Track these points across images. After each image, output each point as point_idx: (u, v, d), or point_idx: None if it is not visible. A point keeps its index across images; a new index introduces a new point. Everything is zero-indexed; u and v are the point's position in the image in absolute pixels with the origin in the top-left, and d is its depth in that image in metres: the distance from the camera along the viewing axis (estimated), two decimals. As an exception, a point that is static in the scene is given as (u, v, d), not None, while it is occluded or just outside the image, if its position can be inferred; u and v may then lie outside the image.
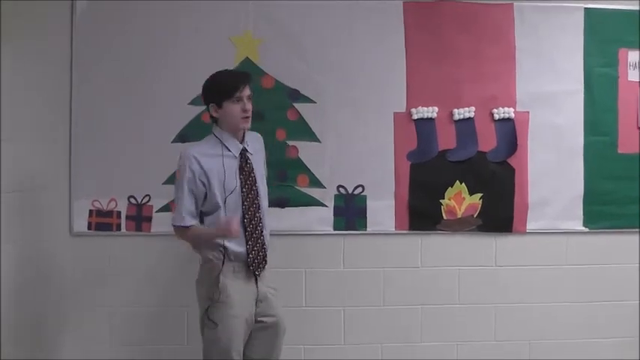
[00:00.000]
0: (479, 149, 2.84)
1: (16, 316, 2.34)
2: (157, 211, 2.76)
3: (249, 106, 2.13)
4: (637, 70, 2.92)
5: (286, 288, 2.65)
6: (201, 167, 2.10)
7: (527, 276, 2.89)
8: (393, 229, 2.82)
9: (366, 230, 2.82)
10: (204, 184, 2.11)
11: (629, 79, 2.91)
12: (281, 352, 2.27)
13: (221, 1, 2.75)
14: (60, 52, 2.71)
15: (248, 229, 2.13)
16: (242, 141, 2.19)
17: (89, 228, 2.75)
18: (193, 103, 2.74)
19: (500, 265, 2.89)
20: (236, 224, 2.02)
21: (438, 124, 2.82)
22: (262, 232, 2.17)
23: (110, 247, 2.77)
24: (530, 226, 2.87)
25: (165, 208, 2.75)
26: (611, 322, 2.92)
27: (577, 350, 2.91)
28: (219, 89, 2.13)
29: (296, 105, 2.76)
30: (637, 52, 2.91)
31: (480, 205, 2.85)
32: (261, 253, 2.15)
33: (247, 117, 2.14)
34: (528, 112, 2.86)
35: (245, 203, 2.13)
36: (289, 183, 2.79)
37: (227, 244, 2.08)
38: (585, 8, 2.89)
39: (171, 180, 2.71)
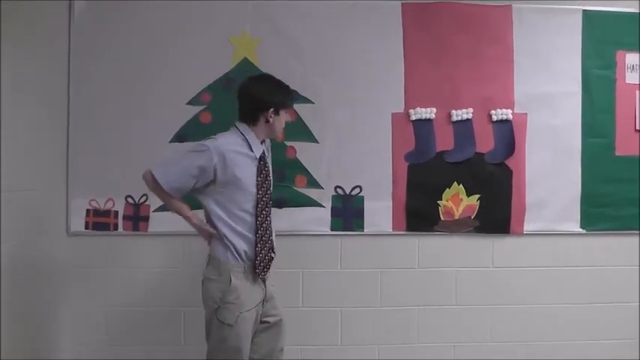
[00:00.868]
0: (477, 150, 2.84)
1: (13, 316, 2.34)
2: (154, 211, 2.75)
3: (291, 118, 2.29)
4: (635, 72, 2.93)
5: (283, 288, 2.64)
6: (225, 162, 2.06)
7: (525, 277, 2.90)
8: (390, 230, 2.83)
9: (363, 231, 2.82)
10: (213, 176, 2.07)
11: (626, 82, 2.92)
12: (283, 351, 2.26)
13: (219, 2, 2.75)
14: (58, 51, 2.71)
15: (259, 232, 2.11)
16: (263, 143, 2.21)
17: (86, 227, 2.75)
18: (191, 103, 2.74)
19: (497, 267, 2.90)
20: (207, 236, 2.15)
21: (436, 125, 2.83)
22: (271, 236, 2.17)
23: (107, 246, 2.76)
24: (528, 227, 2.88)
25: (163, 208, 2.74)
26: (608, 324, 2.93)
27: (575, 351, 2.91)
28: (284, 96, 2.18)
29: (294, 105, 2.76)
30: (635, 55, 2.92)
31: (477, 207, 2.86)
32: (267, 257, 2.15)
33: (283, 128, 2.25)
34: (526, 114, 2.87)
35: (259, 206, 2.12)
36: (287, 183, 2.79)
37: (237, 245, 2.09)
38: (583, 10, 2.90)
39: (169, 180, 2.74)
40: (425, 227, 2.85)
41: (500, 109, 2.85)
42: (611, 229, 2.91)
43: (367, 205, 2.81)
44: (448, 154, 2.83)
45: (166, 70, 2.74)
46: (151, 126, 2.74)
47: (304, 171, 2.80)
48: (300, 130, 2.78)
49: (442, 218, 2.85)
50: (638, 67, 2.93)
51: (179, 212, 2.17)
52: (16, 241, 2.38)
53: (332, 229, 2.80)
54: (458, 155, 2.84)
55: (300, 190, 2.80)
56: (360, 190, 2.82)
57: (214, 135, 2.14)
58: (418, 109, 2.81)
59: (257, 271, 2.11)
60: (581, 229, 2.90)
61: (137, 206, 2.76)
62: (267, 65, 2.75)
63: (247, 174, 2.11)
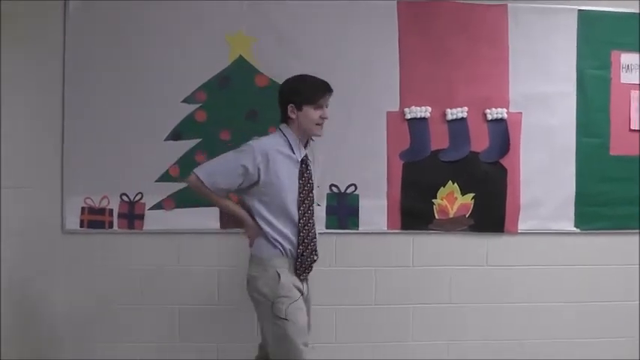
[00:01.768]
0: (471, 149, 2.85)
1: (8, 314, 2.34)
2: (149, 209, 2.75)
3: (327, 113, 2.19)
4: (629, 72, 2.93)
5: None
6: (267, 162, 2.09)
7: (519, 276, 2.91)
8: (385, 229, 2.83)
9: (358, 229, 2.82)
10: (256, 176, 2.10)
11: (621, 82, 2.93)
12: None
13: (215, 0, 2.74)
14: (53, 49, 2.70)
15: (302, 233, 2.13)
16: (306, 146, 2.21)
17: (81, 225, 2.75)
18: (186, 101, 2.74)
19: (491, 265, 2.90)
20: (255, 234, 2.16)
21: (431, 124, 2.83)
22: (314, 238, 2.17)
23: (102, 244, 2.76)
24: (522, 226, 2.88)
25: (158, 206, 2.75)
26: (602, 323, 2.94)
27: (568, 350, 2.92)
28: (305, 92, 2.15)
29: (289, 104, 2.76)
30: (629, 55, 2.93)
31: (472, 205, 2.86)
32: (309, 259, 2.16)
33: (321, 124, 2.19)
34: (521, 113, 2.87)
35: (301, 208, 2.13)
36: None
37: (282, 242, 2.11)
38: (579, 10, 2.90)
39: (164, 178, 2.75)
40: (419, 226, 2.85)
41: (496, 108, 2.85)
42: (605, 228, 2.92)
43: (362, 204, 2.81)
44: (443, 153, 2.84)
45: (161, 68, 2.74)
46: (146, 124, 2.73)
47: (299, 169, 2.80)
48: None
49: (437, 217, 2.86)
50: (633, 67, 2.93)
51: (231, 211, 2.20)
52: (12, 239, 2.39)
53: (327, 228, 2.79)
54: (453, 154, 2.84)
55: (295, 188, 2.80)
56: (355, 189, 2.82)
57: (259, 137, 2.18)
58: (413, 107, 2.82)
59: (297, 272, 2.13)
60: (575, 228, 2.91)
61: (132, 204, 2.76)
62: (263, 64, 2.76)
63: (289, 176, 2.12)
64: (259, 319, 2.16)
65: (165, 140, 2.74)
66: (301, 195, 2.14)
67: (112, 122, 2.73)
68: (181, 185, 2.74)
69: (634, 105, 2.93)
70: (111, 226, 2.76)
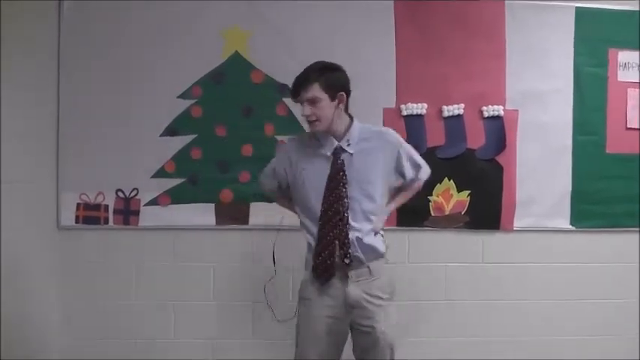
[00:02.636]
0: (467, 146, 2.84)
1: (4, 310, 2.34)
2: (144, 205, 2.75)
3: (306, 110, 1.98)
4: (627, 70, 2.93)
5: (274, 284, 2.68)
6: (290, 163, 2.09)
7: (514, 273, 2.91)
8: (380, 225, 2.83)
9: (354, 226, 2.82)
10: (285, 177, 2.13)
11: (618, 79, 2.92)
12: None
13: (211, -4, 2.74)
14: (47, 46, 2.69)
15: (320, 233, 2.01)
16: (342, 138, 2.05)
17: (77, 221, 2.74)
18: (182, 96, 2.74)
19: (487, 262, 2.90)
20: None
21: (427, 121, 2.82)
22: (336, 238, 1.99)
23: (97, 240, 2.76)
24: (518, 223, 2.88)
25: (153, 202, 2.74)
26: (597, 321, 2.94)
27: (563, 348, 2.92)
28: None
29: (285, 100, 2.75)
30: (627, 53, 2.92)
31: (467, 202, 2.86)
32: (329, 261, 1.99)
33: (310, 121, 1.99)
34: (517, 111, 2.87)
35: (324, 205, 2.00)
36: (278, 178, 2.78)
37: (311, 242, 2.05)
38: (576, 7, 2.89)
39: (160, 174, 2.75)
40: (415, 222, 2.85)
41: (492, 105, 2.84)
42: (600, 226, 2.92)
43: (358, 201, 2.81)
44: (439, 150, 2.83)
45: (157, 64, 2.73)
46: (142, 120, 2.73)
47: (295, 166, 2.79)
48: (291, 125, 2.76)
49: (432, 214, 2.85)
50: (630, 65, 2.93)
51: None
52: (6, 235, 2.38)
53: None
54: (449, 151, 2.84)
55: (291, 184, 2.79)
56: (351, 186, 2.81)
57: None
58: (409, 104, 2.81)
59: (313, 274, 2.03)
60: (570, 226, 2.91)
61: (127, 200, 2.75)
62: (259, 60, 2.75)
63: (315, 172, 2.03)
64: None
65: (160, 136, 2.73)
66: (326, 192, 2.01)
67: (107, 118, 2.72)
68: (177, 181, 2.74)
69: (631, 103, 2.93)
70: (106, 222, 2.75)
